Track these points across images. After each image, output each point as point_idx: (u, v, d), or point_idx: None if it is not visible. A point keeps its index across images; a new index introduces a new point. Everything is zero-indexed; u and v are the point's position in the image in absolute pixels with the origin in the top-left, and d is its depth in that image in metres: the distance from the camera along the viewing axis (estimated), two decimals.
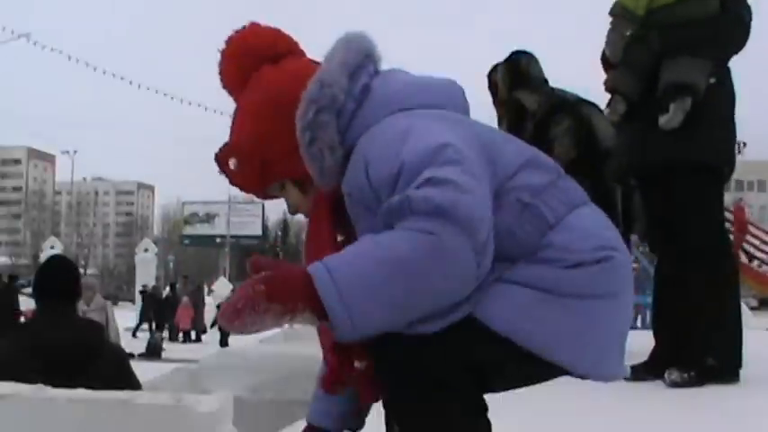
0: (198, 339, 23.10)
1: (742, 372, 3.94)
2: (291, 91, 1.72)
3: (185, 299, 23.28)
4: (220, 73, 1.87)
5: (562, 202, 1.62)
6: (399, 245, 1.45)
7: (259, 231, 60.07)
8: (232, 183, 1.85)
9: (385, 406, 1.65)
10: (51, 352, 3.51)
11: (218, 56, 1.86)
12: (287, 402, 3.96)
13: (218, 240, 58.19)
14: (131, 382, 3.70)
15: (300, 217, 1.98)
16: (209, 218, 57.57)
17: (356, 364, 1.64)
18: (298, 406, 3.83)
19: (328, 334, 1.58)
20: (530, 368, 1.60)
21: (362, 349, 1.58)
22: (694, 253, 3.99)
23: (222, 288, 27.03)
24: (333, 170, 1.70)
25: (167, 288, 26.69)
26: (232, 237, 56.36)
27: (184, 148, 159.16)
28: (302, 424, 2.85)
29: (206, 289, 29.27)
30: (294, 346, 5.53)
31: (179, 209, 65.93)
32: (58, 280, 3.98)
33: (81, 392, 2.53)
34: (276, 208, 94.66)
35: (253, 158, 1.79)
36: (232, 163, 1.81)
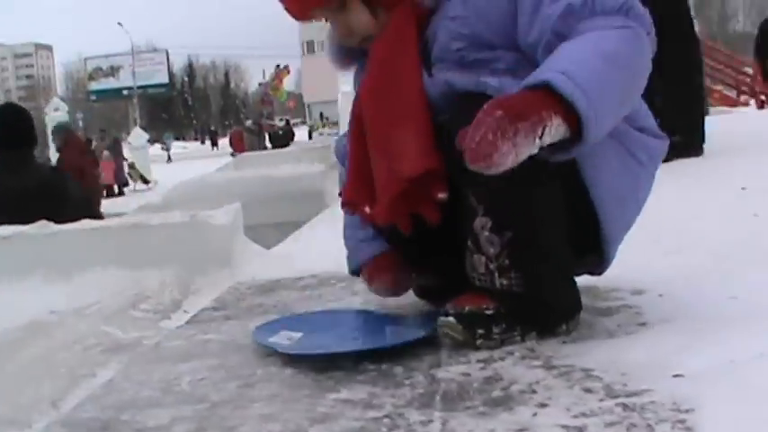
0: (121, 193, 22.69)
1: None
2: None
3: (106, 153, 22.70)
4: None
5: None
6: (613, 42, 1.44)
7: (165, 79, 58.39)
8: None
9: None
10: (15, 197, 3.47)
11: None
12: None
13: (124, 93, 56.90)
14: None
15: (205, 60, 1.84)
16: (113, 71, 56.01)
17: (440, 195, 1.59)
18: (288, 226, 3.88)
19: (389, 172, 1.60)
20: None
21: (445, 180, 1.58)
22: None
23: (138, 138, 26.29)
24: None
25: None
26: (139, 87, 55.10)
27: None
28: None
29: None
30: (246, 171, 5.55)
31: (81, 65, 63.77)
32: (9, 128, 3.87)
33: (87, 223, 2.49)
34: (180, 52, 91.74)
35: None
36: None
